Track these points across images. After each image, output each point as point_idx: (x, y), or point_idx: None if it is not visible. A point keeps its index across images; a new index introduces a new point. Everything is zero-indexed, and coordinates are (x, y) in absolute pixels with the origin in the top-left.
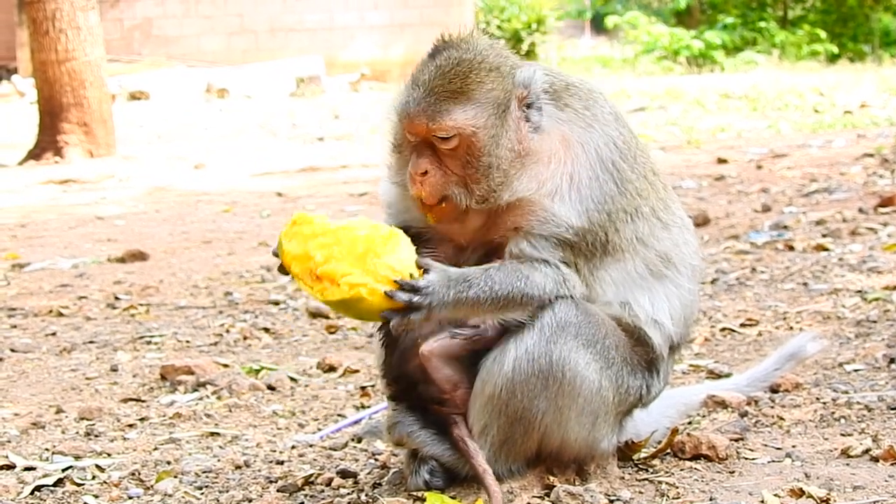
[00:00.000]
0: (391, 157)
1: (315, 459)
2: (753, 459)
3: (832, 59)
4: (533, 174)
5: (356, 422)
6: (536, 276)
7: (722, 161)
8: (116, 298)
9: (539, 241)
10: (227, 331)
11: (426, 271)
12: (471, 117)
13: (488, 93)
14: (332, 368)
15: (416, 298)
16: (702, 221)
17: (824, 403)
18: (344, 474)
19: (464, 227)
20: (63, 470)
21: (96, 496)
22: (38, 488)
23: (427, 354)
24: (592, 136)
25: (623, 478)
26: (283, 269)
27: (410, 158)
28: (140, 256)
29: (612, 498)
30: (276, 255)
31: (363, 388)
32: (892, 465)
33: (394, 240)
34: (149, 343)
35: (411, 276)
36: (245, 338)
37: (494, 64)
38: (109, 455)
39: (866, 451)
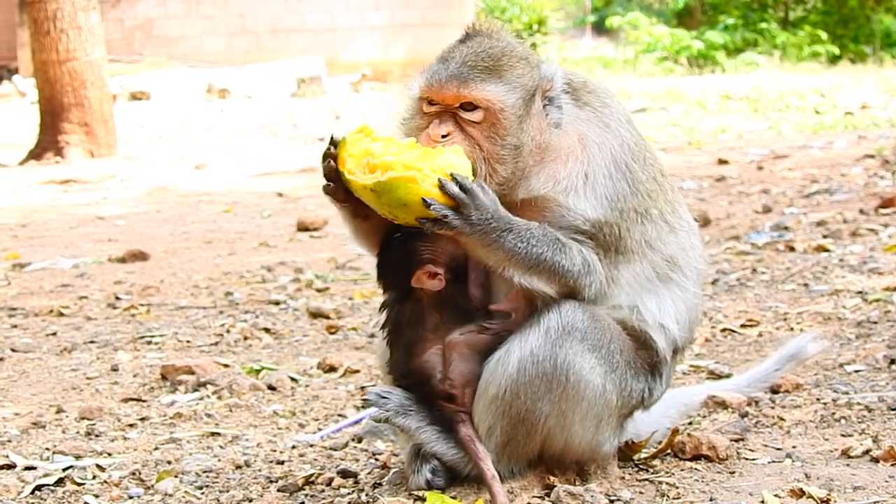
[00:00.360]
0: (400, 129)
1: (315, 459)
2: (754, 460)
3: (833, 60)
4: (550, 172)
5: (356, 422)
6: (573, 247)
7: (723, 162)
8: (117, 298)
9: (559, 231)
10: (228, 331)
11: (483, 190)
12: (502, 93)
13: (518, 77)
14: (332, 369)
15: (464, 196)
16: (703, 222)
17: (825, 404)
18: (344, 474)
19: None
20: (63, 469)
21: (97, 496)
22: (38, 488)
23: (452, 345)
24: (609, 136)
25: (623, 478)
26: (329, 174)
27: (430, 125)
28: (141, 256)
29: (613, 498)
30: (326, 156)
31: (363, 388)
32: (892, 465)
33: (459, 149)
34: (149, 343)
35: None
36: (245, 338)
37: (523, 54)
38: (110, 455)
39: (866, 452)
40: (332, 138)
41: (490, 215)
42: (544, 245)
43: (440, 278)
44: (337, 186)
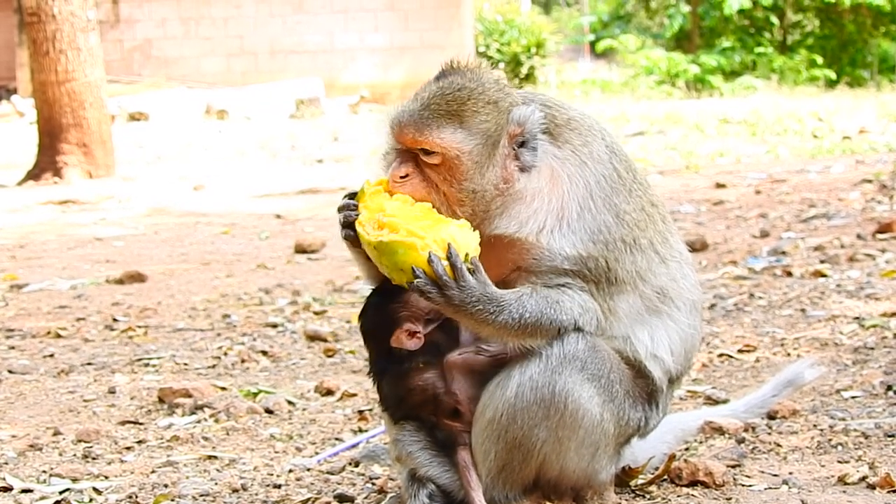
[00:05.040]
0: (381, 163)
1: (312, 483)
2: (750, 486)
3: (831, 84)
4: (514, 212)
5: (354, 446)
6: (565, 300)
7: (721, 186)
8: (115, 320)
9: (545, 276)
10: (225, 353)
11: (473, 272)
12: (458, 140)
13: (481, 123)
14: (329, 392)
15: (447, 279)
16: (700, 246)
17: (821, 430)
18: (341, 498)
19: None
20: (60, 492)
21: None
22: None
23: (451, 364)
24: (584, 171)
25: None
26: (347, 223)
27: (392, 164)
28: (138, 278)
29: None
30: (343, 208)
31: (361, 411)
32: (888, 492)
33: (466, 224)
34: (147, 365)
35: (467, 256)
36: (243, 360)
37: (493, 98)
38: (107, 478)
39: (863, 479)
40: (350, 193)
41: (476, 298)
42: (537, 312)
43: (419, 336)
44: (354, 234)
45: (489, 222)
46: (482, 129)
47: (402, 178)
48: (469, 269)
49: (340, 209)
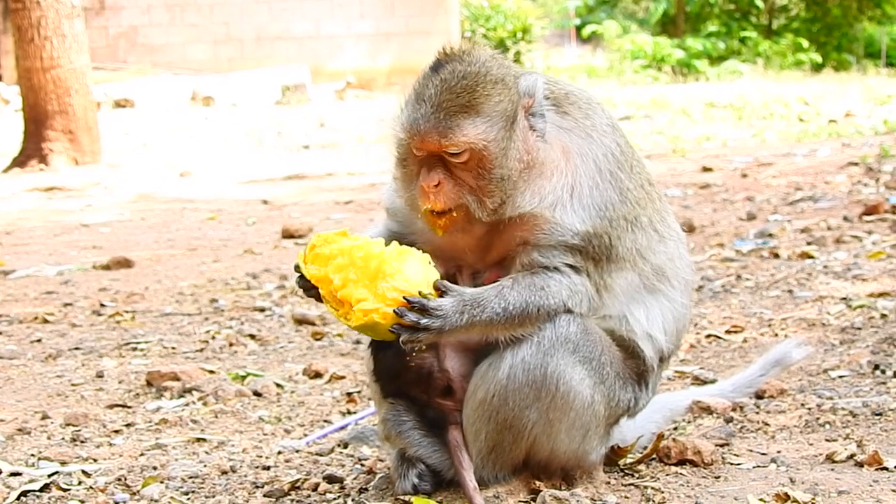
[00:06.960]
0: (397, 171)
1: (301, 465)
2: (739, 465)
3: (817, 68)
4: (536, 188)
5: (342, 427)
6: (552, 284)
7: (707, 170)
8: (102, 305)
9: (548, 251)
10: (213, 337)
11: (442, 293)
12: (482, 131)
13: (496, 105)
14: (317, 375)
15: (424, 320)
16: (687, 229)
17: (809, 409)
18: (330, 479)
19: (468, 238)
20: (49, 475)
21: (82, 501)
22: (24, 494)
23: (445, 342)
24: (592, 146)
25: (609, 483)
26: (304, 284)
27: (420, 173)
28: (125, 264)
29: (598, 503)
30: (301, 285)
31: (349, 394)
32: (876, 470)
33: (405, 256)
34: (134, 349)
35: (421, 294)
36: (231, 344)
37: (499, 76)
38: (95, 461)
39: (851, 457)
40: (297, 266)
41: (458, 312)
42: (521, 301)
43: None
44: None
45: (512, 202)
46: (499, 110)
47: (435, 186)
48: (438, 292)
49: (299, 284)
